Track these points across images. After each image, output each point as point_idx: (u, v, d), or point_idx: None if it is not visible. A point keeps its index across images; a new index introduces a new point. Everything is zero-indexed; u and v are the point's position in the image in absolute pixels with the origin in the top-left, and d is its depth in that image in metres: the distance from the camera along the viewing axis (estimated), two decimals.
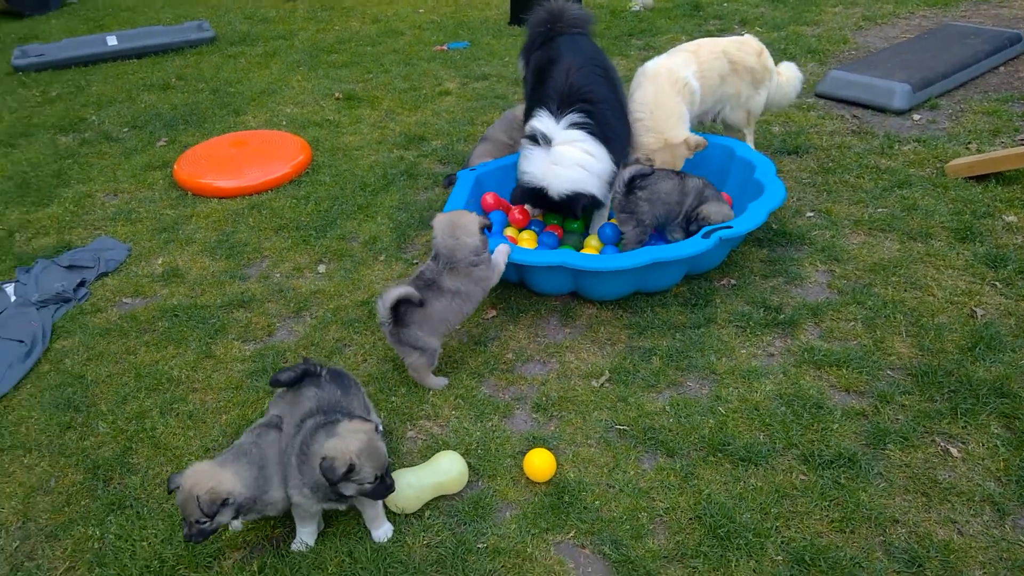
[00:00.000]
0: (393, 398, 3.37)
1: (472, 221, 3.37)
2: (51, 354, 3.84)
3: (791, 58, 6.01)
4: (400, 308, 3.20)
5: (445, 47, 7.97)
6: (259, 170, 5.44)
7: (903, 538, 2.57)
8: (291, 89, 7.23)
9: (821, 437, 2.97)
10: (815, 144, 5.25)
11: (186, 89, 7.38)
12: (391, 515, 2.79)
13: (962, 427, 2.96)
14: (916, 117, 5.55)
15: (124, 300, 4.26)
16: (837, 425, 3.01)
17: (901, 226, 4.23)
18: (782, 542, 2.58)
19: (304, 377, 2.80)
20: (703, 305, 3.79)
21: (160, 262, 4.57)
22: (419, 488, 2.81)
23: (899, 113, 5.62)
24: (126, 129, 6.55)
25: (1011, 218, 4.19)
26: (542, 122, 3.97)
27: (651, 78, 4.29)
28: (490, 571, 2.58)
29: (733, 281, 3.95)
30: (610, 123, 4.04)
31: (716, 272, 4.00)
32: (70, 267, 4.48)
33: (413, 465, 2.95)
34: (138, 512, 2.89)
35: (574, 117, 3.92)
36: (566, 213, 4.02)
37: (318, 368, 2.84)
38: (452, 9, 9.46)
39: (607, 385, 3.36)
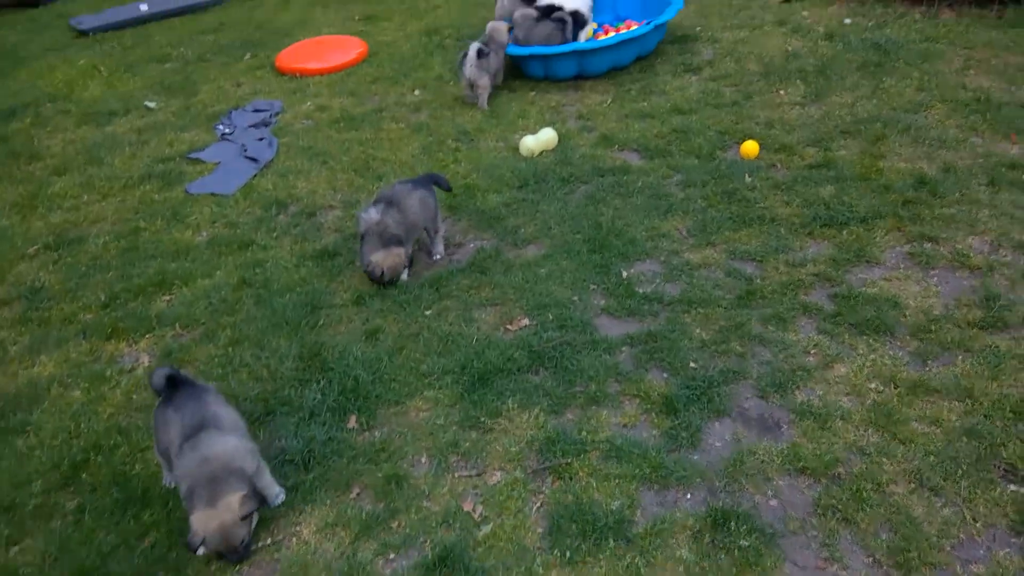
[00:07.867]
0: (501, 124, 6.26)
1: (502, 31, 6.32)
2: (281, 145, 6.46)
3: None
4: (481, 56, 6.10)
5: None
6: (338, 56, 8.08)
7: (761, 120, 5.70)
8: (318, 20, 9.79)
9: (720, 100, 6.09)
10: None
11: (234, 30, 9.79)
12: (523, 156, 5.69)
13: (783, 85, 6.17)
14: None
15: (303, 121, 6.89)
16: (727, 95, 6.15)
17: (747, 24, 7.43)
18: (712, 129, 5.67)
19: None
20: (649, 69, 6.84)
21: (309, 104, 7.20)
22: (536, 142, 5.72)
23: None
24: (210, 54, 8.97)
25: (805, 13, 7.48)
26: None
27: None
28: (582, 161, 5.53)
29: (663, 59, 7.02)
30: None
31: (652, 56, 7.06)
32: (255, 111, 7.06)
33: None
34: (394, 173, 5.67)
35: None
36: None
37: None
38: None
39: (611, 104, 6.36)
